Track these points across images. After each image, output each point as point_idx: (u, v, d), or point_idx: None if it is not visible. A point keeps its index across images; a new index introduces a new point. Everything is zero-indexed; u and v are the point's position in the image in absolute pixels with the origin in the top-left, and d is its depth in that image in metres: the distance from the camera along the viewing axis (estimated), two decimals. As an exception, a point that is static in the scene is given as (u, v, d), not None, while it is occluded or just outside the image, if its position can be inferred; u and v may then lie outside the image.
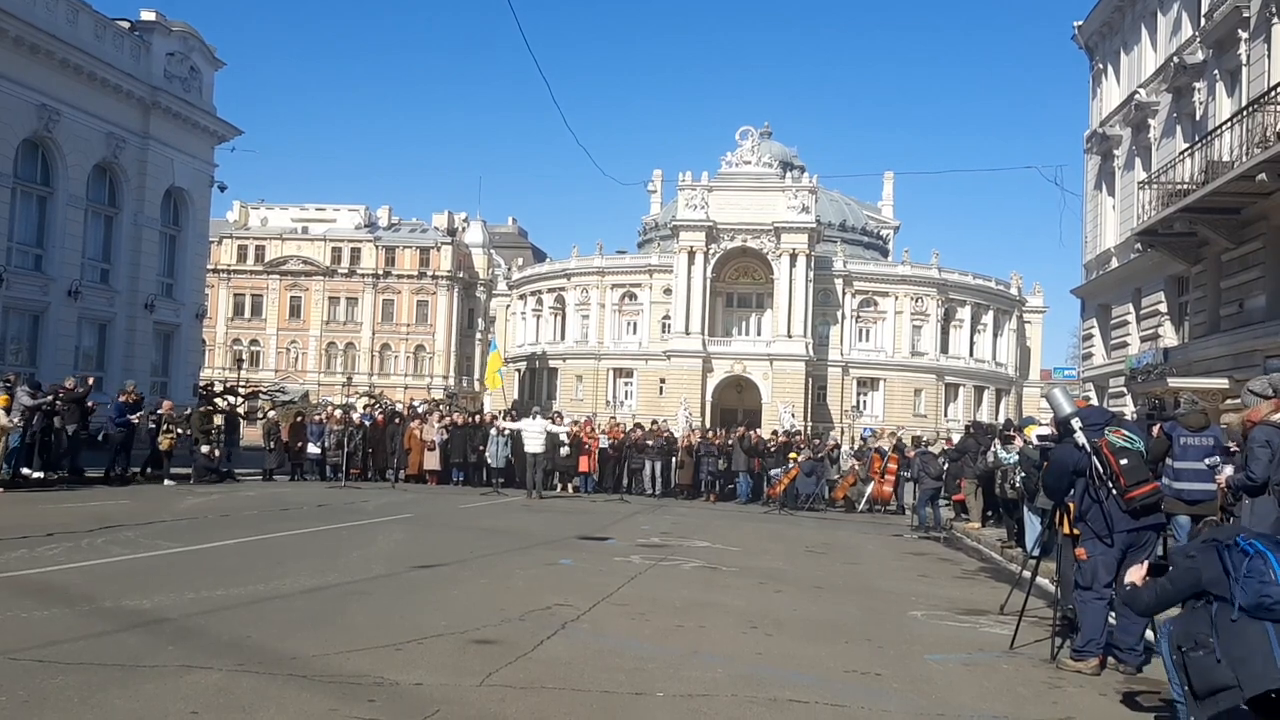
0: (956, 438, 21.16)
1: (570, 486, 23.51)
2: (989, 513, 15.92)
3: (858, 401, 65.16)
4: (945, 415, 63.96)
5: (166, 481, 18.19)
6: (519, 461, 21.43)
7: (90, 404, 17.75)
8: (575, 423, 26.10)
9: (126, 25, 28.86)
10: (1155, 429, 8.93)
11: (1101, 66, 28.15)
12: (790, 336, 61.06)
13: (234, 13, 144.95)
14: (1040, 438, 8.60)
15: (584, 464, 23.40)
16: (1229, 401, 14.53)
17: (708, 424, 49.51)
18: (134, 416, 17.98)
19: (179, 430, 19.10)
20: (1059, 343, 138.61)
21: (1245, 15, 18.81)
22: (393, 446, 22.41)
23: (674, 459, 24.13)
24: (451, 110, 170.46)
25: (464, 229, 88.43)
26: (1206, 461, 8.55)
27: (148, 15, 29.57)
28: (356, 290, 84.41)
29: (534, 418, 21.69)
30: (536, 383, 70.16)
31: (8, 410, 14.94)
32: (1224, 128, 18.15)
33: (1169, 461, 8.68)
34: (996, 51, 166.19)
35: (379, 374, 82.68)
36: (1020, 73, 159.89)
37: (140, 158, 28.80)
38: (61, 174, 26.27)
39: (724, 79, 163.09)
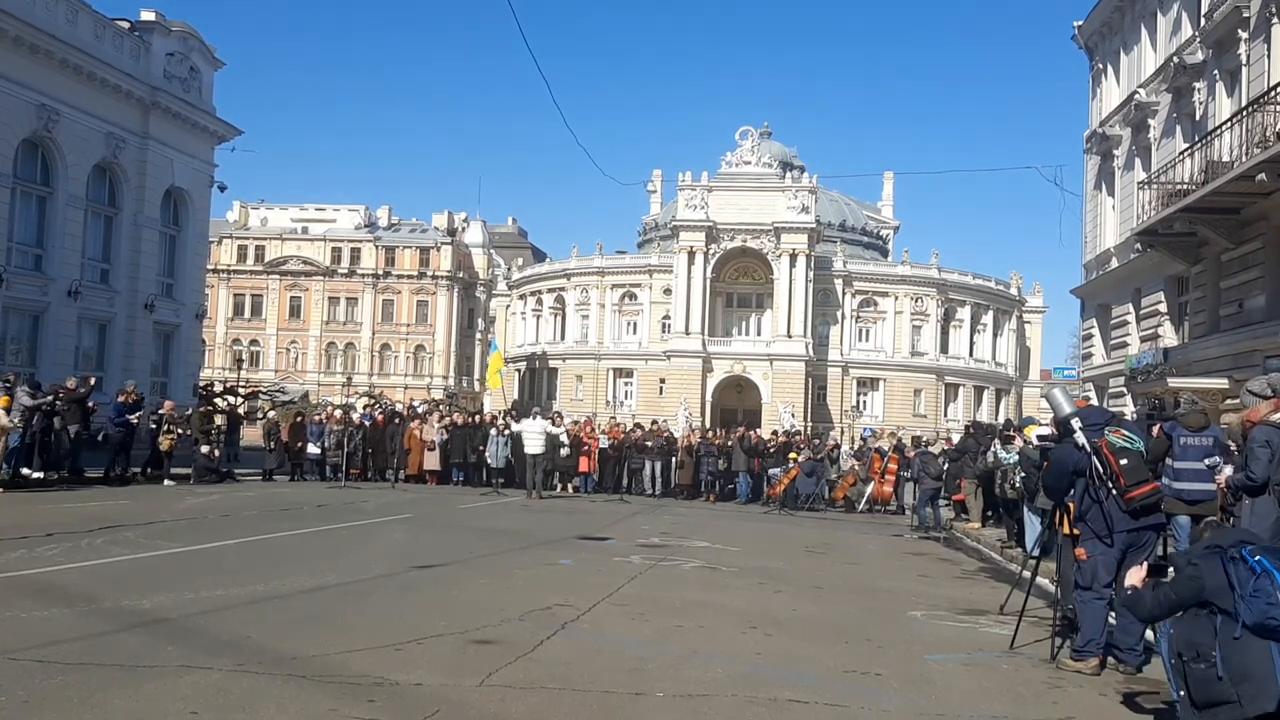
0: (956, 438, 21.14)
1: (570, 487, 23.52)
2: (989, 513, 15.91)
3: (858, 401, 65.17)
4: (945, 415, 63.95)
5: (166, 482, 18.19)
6: (519, 462, 21.43)
7: (91, 404, 17.75)
8: (575, 423, 26.13)
9: (126, 25, 28.82)
10: (1155, 429, 8.90)
11: (1101, 66, 28.15)
12: (790, 336, 61.08)
13: (234, 13, 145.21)
14: (1040, 438, 8.59)
15: (584, 464, 23.42)
16: (1229, 401, 14.52)
17: (708, 424, 49.50)
18: (134, 417, 17.99)
19: (179, 430, 19.09)
20: (1059, 343, 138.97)
21: (1245, 15, 18.81)
22: (393, 447, 22.41)
23: (674, 459, 24.14)
24: (451, 110, 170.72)
25: (464, 229, 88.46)
26: (1206, 461, 8.53)
27: (147, 15, 29.54)
28: (356, 290, 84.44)
29: (534, 418, 21.69)
30: (536, 383, 70.16)
31: (8, 410, 14.94)
32: (1224, 128, 18.16)
33: (1169, 461, 8.66)
34: (996, 51, 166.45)
35: (379, 374, 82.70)
36: (1020, 73, 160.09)
37: (140, 158, 28.76)
38: (61, 174, 26.24)
39: (724, 79, 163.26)
